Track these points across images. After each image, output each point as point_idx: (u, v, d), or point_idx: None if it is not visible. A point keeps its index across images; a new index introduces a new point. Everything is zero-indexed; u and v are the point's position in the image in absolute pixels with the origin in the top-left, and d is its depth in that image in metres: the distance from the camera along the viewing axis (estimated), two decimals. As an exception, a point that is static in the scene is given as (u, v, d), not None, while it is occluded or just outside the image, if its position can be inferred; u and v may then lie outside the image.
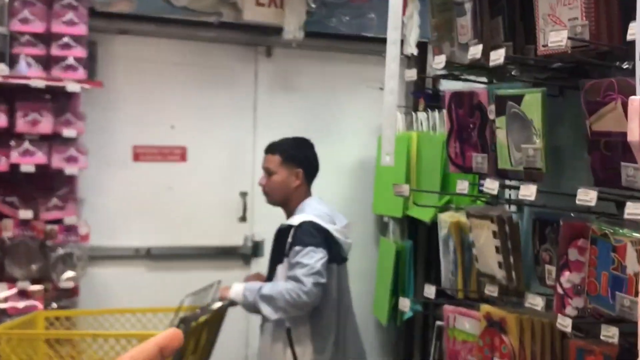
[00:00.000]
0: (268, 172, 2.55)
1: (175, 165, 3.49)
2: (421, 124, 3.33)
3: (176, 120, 3.51)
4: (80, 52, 2.92)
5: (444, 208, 2.27)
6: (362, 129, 3.77)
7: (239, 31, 3.51)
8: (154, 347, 0.42)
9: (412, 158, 3.26)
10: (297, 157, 2.56)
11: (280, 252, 2.49)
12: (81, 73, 2.92)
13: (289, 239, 2.41)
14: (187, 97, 3.52)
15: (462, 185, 1.85)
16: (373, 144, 3.66)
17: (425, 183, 3.16)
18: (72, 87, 2.88)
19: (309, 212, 2.48)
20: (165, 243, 3.45)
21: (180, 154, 3.50)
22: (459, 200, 2.64)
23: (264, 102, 3.66)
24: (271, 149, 2.59)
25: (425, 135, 3.25)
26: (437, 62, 1.84)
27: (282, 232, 2.52)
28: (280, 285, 2.36)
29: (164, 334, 0.43)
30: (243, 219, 3.55)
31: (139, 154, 3.44)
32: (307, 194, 2.60)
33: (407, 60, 3.39)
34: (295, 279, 2.32)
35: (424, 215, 3.02)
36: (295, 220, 2.45)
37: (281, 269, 2.46)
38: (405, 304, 2.09)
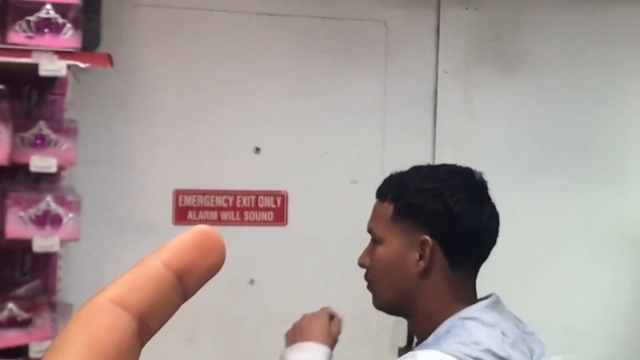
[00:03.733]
0: (373, 239, 2.40)
1: (262, 232, 3.37)
2: None
3: (266, 135, 3.42)
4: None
5: None
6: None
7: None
8: (162, 269, 0.44)
9: None
10: (419, 205, 2.31)
11: None
12: (69, 38, 2.73)
13: None
14: (289, 84, 3.44)
15: None
16: None
17: None
18: (48, 64, 2.70)
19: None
20: None
21: (273, 209, 3.37)
22: None
23: (454, 91, 3.55)
24: (381, 189, 2.45)
25: None
26: None
27: None
28: None
29: (177, 243, 0.44)
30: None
31: (185, 210, 3.28)
32: (459, 297, 2.24)
33: None
34: None
35: None
36: None
37: None
38: None
